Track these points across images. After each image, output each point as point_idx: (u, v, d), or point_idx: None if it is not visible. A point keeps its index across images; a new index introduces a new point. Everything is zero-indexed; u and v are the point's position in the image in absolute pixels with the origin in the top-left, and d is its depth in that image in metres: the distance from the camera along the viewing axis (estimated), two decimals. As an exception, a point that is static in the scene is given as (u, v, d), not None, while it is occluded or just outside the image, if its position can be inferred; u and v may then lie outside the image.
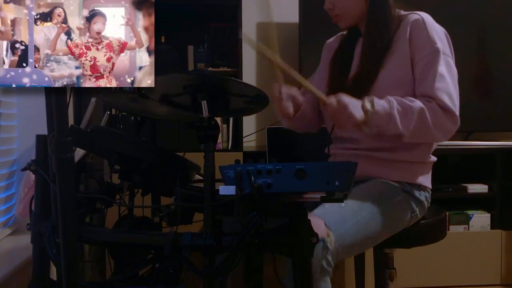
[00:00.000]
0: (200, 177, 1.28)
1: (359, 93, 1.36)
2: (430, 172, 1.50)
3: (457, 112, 1.35)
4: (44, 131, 0.94)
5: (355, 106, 1.28)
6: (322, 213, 1.24)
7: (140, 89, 1.19)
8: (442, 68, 1.34)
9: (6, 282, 1.47)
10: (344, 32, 1.59)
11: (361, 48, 1.48)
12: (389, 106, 1.30)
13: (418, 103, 1.31)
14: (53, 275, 1.14)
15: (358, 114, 1.27)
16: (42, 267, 1.16)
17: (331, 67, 1.56)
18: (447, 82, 1.34)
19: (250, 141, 2.76)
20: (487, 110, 2.63)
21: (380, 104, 1.30)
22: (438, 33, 1.39)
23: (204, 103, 1.04)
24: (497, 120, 2.65)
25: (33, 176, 1.16)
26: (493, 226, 2.49)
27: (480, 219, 2.50)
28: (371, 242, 1.37)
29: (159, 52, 2.44)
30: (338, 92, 1.30)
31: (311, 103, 1.57)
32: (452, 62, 1.39)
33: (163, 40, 2.52)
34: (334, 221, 1.23)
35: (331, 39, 1.68)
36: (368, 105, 1.29)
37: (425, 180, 1.47)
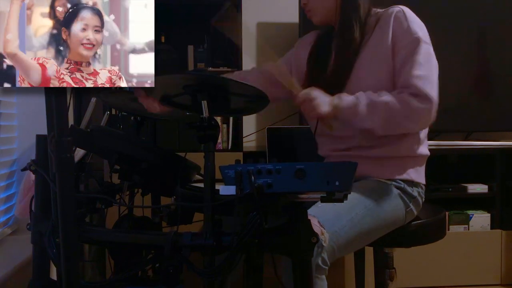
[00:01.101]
0: (200, 177, 1.28)
1: (336, 87, 1.41)
2: (423, 168, 1.50)
3: (434, 99, 1.35)
4: (44, 131, 0.93)
5: (323, 100, 1.32)
6: (315, 212, 1.24)
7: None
8: (421, 57, 1.37)
9: (6, 282, 1.47)
10: (319, 31, 1.62)
11: (335, 43, 1.51)
12: (355, 102, 1.34)
13: (385, 97, 1.34)
14: (53, 275, 1.14)
15: (323, 108, 1.32)
16: (42, 267, 1.16)
17: (308, 63, 1.59)
18: (425, 70, 1.36)
19: (250, 141, 2.76)
20: (487, 110, 2.63)
21: (348, 100, 1.35)
22: (418, 24, 1.42)
23: (204, 103, 1.04)
24: (497, 120, 2.64)
25: (33, 176, 1.17)
26: (493, 226, 2.49)
27: (480, 219, 2.50)
28: (367, 239, 1.37)
29: (159, 52, 2.44)
30: (317, 87, 1.34)
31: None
32: (433, 52, 1.41)
33: (163, 40, 2.51)
34: (328, 219, 1.24)
35: (304, 37, 1.70)
36: (336, 101, 1.34)
37: (418, 176, 1.47)
